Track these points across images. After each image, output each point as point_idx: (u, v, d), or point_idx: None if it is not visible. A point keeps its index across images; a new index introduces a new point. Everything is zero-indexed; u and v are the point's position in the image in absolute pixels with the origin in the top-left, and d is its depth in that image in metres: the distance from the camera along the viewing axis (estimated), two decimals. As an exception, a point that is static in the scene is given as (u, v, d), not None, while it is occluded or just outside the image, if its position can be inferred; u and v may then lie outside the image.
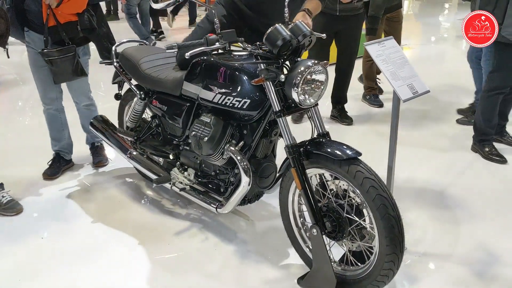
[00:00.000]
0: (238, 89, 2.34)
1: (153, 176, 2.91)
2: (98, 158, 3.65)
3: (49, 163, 3.52)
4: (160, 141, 3.01)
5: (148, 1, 8.45)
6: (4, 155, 3.90)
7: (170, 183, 2.84)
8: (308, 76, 2.15)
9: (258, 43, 2.30)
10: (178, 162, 2.89)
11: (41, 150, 3.73)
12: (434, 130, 4.37)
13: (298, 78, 2.12)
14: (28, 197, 3.23)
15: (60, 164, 3.52)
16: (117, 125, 3.42)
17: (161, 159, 3.12)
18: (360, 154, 2.09)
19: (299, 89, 2.13)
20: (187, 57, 2.15)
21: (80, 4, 3.11)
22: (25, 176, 3.48)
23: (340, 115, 4.60)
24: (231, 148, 2.44)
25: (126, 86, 3.24)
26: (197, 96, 2.57)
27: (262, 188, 2.59)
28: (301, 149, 2.22)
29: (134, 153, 3.06)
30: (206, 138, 2.43)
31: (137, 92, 2.98)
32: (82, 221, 2.96)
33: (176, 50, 2.20)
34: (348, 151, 2.09)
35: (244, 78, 2.34)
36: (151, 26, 9.01)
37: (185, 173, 2.81)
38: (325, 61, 2.29)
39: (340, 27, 4.23)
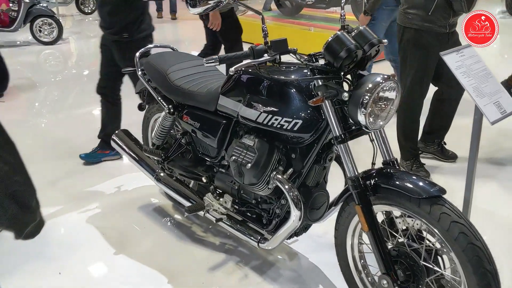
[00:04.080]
0: (288, 108, 1.97)
1: (185, 202, 2.56)
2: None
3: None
4: (191, 161, 2.65)
5: None
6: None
7: (203, 210, 2.48)
8: (379, 94, 1.77)
9: (313, 53, 1.92)
10: (212, 186, 2.53)
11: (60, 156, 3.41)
12: None
13: (367, 97, 1.74)
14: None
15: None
16: (141, 140, 3.07)
17: (191, 181, 2.76)
18: (444, 191, 1.70)
19: (368, 110, 1.75)
20: (231, 73, 1.78)
21: None
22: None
23: (442, 150, 3.57)
24: (278, 176, 2.07)
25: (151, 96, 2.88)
26: (236, 114, 2.20)
27: (313, 221, 2.21)
28: (368, 182, 1.84)
29: (162, 174, 2.71)
30: (249, 164, 2.06)
31: (165, 105, 2.62)
32: (102, 252, 2.62)
33: (217, 63, 1.84)
34: (429, 187, 1.71)
35: (296, 95, 1.96)
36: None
37: (221, 199, 2.45)
38: (393, 73, 1.90)
39: (449, 46, 3.00)
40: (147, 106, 3.02)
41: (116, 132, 2.97)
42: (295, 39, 7.75)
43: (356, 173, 1.84)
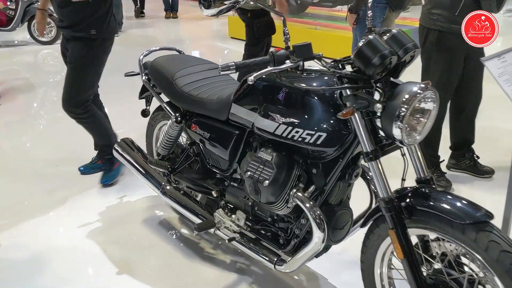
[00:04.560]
0: (311, 120, 1.77)
1: (193, 218, 2.37)
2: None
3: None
4: (199, 173, 2.46)
5: None
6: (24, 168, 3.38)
7: (214, 228, 2.29)
8: (417, 105, 1.57)
9: (339, 59, 1.73)
10: (222, 201, 2.33)
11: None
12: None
13: (403, 109, 1.54)
14: (41, 236, 2.71)
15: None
16: (145, 149, 2.87)
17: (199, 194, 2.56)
18: (492, 216, 1.51)
19: (404, 123, 1.55)
20: (251, 82, 1.59)
21: None
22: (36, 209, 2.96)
23: (475, 165, 3.26)
24: (298, 194, 1.88)
25: (155, 101, 2.68)
26: (251, 124, 2.01)
27: (335, 242, 2.01)
28: (402, 203, 1.64)
29: (168, 187, 2.51)
30: (267, 181, 1.86)
31: (172, 114, 2.42)
32: (104, 272, 2.42)
33: (234, 71, 1.64)
34: (474, 211, 1.52)
35: (320, 105, 1.77)
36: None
37: (233, 216, 2.25)
38: (428, 81, 1.70)
39: (475, 49, 2.83)
40: (151, 112, 2.82)
41: (119, 141, 2.77)
42: (300, 39, 7.49)
43: (390, 194, 1.65)
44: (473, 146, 3.25)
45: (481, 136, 3.35)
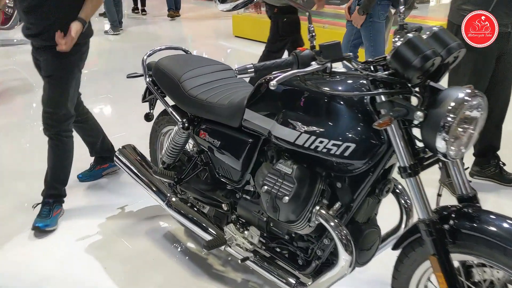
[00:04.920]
0: (338, 128, 1.57)
1: (202, 235, 2.17)
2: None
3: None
4: (208, 184, 2.25)
5: None
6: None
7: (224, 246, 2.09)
8: (464, 114, 1.37)
9: (370, 59, 1.52)
10: (233, 215, 2.13)
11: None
12: None
13: (449, 118, 1.33)
14: (36, 249, 2.50)
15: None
16: (148, 156, 2.67)
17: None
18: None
19: (450, 134, 1.34)
20: (273, 87, 1.38)
21: None
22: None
23: (501, 172, 3.04)
24: (321, 211, 1.67)
25: (160, 104, 2.47)
26: (267, 132, 1.80)
27: (361, 264, 1.81)
28: (445, 226, 1.44)
29: (174, 199, 2.31)
30: (287, 197, 1.66)
31: (178, 119, 2.22)
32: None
33: (253, 74, 1.43)
34: None
35: (349, 112, 1.56)
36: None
37: (245, 232, 2.04)
38: (470, 85, 1.49)
39: (508, 48, 2.73)
40: (155, 117, 2.61)
41: (120, 148, 2.56)
42: (257, 31, 7.25)
43: (431, 215, 1.44)
44: (498, 152, 3.04)
45: (508, 142, 3.13)
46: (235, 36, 7.67)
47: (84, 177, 3.14)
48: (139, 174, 2.42)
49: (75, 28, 2.46)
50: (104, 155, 3.16)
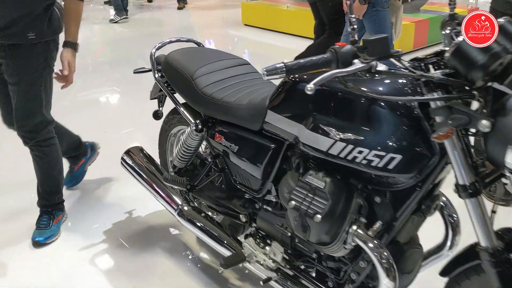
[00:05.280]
0: (381, 137, 1.34)
1: (218, 248, 1.96)
2: None
3: None
4: (223, 192, 2.04)
5: None
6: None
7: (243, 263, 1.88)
8: None
9: (421, 56, 1.29)
10: (252, 227, 1.92)
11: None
12: None
13: (525, 129, 1.10)
14: (33, 263, 2.30)
15: None
16: (157, 158, 2.45)
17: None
18: None
19: None
20: (310, 91, 1.15)
21: None
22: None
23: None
24: (359, 231, 1.45)
25: (169, 101, 2.25)
26: (293, 138, 1.58)
27: (402, 288, 1.59)
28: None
29: (187, 208, 2.09)
30: (320, 216, 1.44)
31: (191, 120, 1.99)
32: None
33: (283, 73, 1.20)
34: None
35: (394, 118, 1.33)
36: None
37: (267, 248, 1.83)
38: None
39: None
40: (164, 115, 2.39)
41: (127, 150, 2.34)
42: (271, 17, 7.01)
43: (495, 243, 1.22)
44: None
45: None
46: (244, 25, 7.40)
47: (69, 183, 2.83)
48: (148, 180, 2.20)
49: (68, 58, 2.21)
50: (76, 153, 2.82)
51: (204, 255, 2.34)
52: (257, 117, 1.72)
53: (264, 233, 1.88)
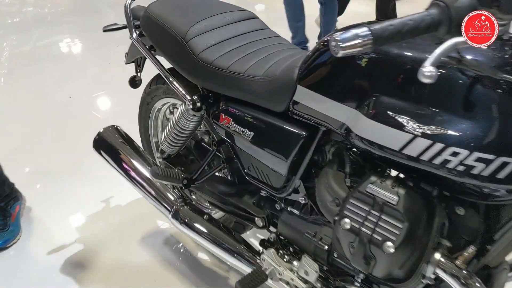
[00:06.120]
0: (490, 134, 0.90)
1: (228, 259, 1.53)
2: None
3: None
4: (233, 187, 1.58)
5: None
6: None
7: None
8: None
9: None
10: (273, 234, 1.49)
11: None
12: None
13: None
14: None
15: None
16: (138, 138, 1.96)
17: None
18: None
19: None
20: (429, 79, 0.68)
21: None
22: None
23: None
24: (443, 260, 1.04)
25: (149, 64, 1.72)
26: (339, 126, 1.11)
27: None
28: None
29: (183, 208, 1.63)
30: (392, 245, 1.00)
31: (187, 97, 1.49)
32: None
33: (370, 45, 0.73)
34: None
35: (509, 107, 0.89)
36: None
37: (294, 263, 1.41)
38: None
39: None
40: (141, 80, 1.87)
41: (100, 132, 1.82)
42: None
43: None
44: None
45: None
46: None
47: (4, 243, 1.97)
48: (129, 173, 1.71)
49: None
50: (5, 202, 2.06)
51: (202, 255, 1.92)
52: (281, 94, 1.25)
53: (288, 243, 1.45)
